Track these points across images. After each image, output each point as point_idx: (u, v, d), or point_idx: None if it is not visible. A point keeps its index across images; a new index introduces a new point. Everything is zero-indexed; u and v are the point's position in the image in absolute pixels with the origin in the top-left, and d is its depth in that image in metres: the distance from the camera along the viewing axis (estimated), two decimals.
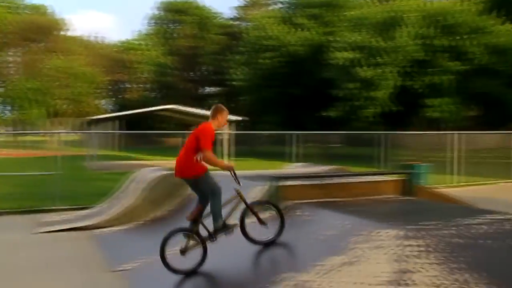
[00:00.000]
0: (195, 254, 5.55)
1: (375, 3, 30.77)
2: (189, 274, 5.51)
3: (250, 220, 5.88)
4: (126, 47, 56.69)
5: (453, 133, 18.32)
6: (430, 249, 4.67)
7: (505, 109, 28.02)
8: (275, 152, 24.10)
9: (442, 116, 26.93)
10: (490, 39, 26.19)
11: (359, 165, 18.65)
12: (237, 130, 42.85)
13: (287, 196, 7.07)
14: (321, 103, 28.75)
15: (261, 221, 5.86)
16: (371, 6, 30.46)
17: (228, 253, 5.88)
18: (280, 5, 41.12)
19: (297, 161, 14.96)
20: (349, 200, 7.48)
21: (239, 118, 26.63)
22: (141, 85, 57.87)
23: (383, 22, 27.37)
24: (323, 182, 7.88)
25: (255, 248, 5.75)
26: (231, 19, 55.47)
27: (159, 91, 55.58)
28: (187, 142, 5.72)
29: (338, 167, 11.33)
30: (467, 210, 7.12)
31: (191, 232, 5.60)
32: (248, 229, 5.81)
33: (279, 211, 5.98)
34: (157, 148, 36.67)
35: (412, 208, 7.19)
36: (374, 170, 14.83)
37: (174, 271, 5.47)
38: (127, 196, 9.32)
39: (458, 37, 25.83)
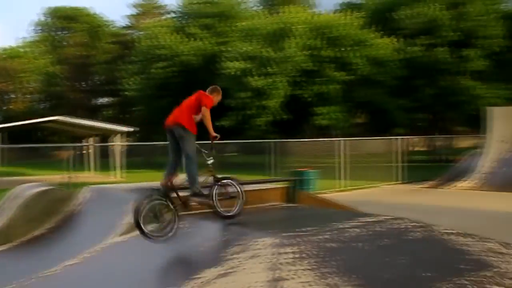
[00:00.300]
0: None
1: (265, 15, 31.55)
2: (164, 241, 5.64)
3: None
4: (10, 54, 53.03)
5: (340, 140, 19.26)
6: (304, 255, 4.81)
7: (388, 117, 29.94)
8: None
9: (330, 124, 28.16)
10: (371, 52, 27.78)
11: (252, 173, 18.92)
12: (133, 141, 41.82)
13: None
14: (216, 112, 28.71)
15: (229, 195, 6.26)
16: (261, 17, 31.18)
17: (101, 270, 5.67)
18: (173, 15, 40.84)
19: None
20: None
21: (130, 129, 25.98)
22: (28, 96, 54.45)
23: (273, 33, 28.08)
24: None
25: (130, 264, 5.58)
26: (124, 27, 54.08)
27: (48, 102, 52.65)
28: (187, 101, 6.15)
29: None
30: (344, 214, 7.45)
31: (165, 197, 5.78)
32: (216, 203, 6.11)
33: (239, 187, 6.37)
34: (48, 162, 34.65)
35: (293, 215, 7.40)
36: (262, 178, 15.09)
37: (150, 238, 5.54)
38: (1, 215, 8.68)
39: (342, 49, 27.13)
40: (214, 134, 6.07)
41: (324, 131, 32.24)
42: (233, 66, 26.52)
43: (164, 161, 5.94)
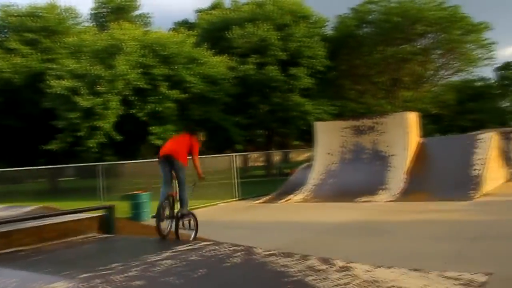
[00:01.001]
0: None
1: (95, 31, 30.08)
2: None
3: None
4: None
5: None
6: None
7: (225, 134, 30.20)
8: None
9: None
10: (204, 70, 27.84)
11: (84, 198, 17.59)
12: None
13: None
14: (47, 135, 26.57)
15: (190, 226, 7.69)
16: (91, 33, 29.63)
17: None
18: None
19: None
20: (36, 247, 6.53)
21: None
22: None
23: (103, 50, 26.76)
24: (8, 229, 6.73)
25: None
26: None
27: None
28: (182, 141, 7.60)
29: (44, 207, 10.15)
30: (160, 242, 6.87)
31: (170, 202, 7.31)
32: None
33: (196, 219, 7.73)
34: None
35: (103, 248, 6.64)
36: (87, 205, 13.97)
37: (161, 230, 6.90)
38: None
39: (175, 67, 26.79)
40: (202, 176, 7.62)
41: None
42: (59, 84, 24.62)
43: None
